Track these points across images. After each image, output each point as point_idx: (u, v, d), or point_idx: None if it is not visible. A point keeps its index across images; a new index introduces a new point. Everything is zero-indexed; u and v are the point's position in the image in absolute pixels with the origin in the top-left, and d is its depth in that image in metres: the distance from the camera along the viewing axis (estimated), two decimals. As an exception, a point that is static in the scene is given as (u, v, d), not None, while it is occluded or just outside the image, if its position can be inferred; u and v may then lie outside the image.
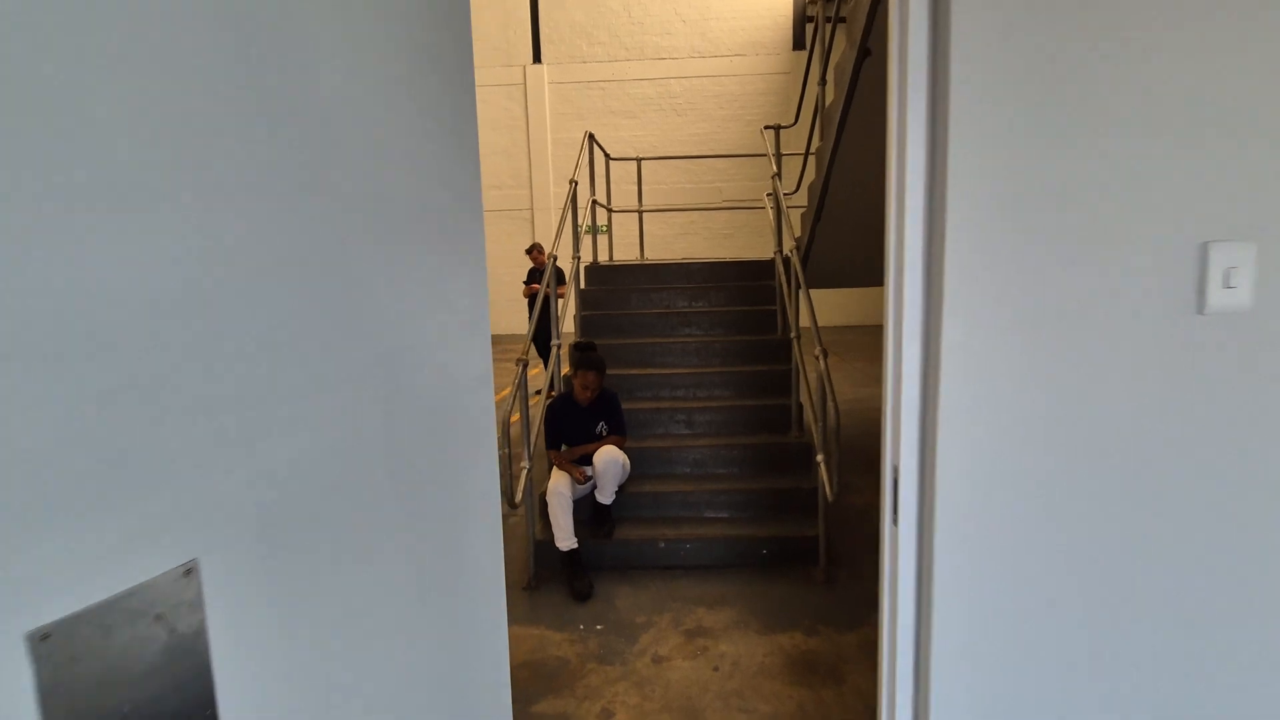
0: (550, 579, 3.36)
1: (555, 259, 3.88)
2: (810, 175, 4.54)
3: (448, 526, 1.18)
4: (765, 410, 4.13)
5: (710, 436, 4.06)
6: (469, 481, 1.26)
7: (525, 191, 13.74)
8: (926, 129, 1.19)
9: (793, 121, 5.14)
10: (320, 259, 0.84)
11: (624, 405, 4.10)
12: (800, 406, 4.02)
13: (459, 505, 1.22)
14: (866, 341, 11.75)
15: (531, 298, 6.60)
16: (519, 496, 3.09)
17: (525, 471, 3.19)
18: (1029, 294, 1.14)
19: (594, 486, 3.53)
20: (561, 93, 13.50)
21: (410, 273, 1.05)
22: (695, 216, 13.24)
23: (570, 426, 3.58)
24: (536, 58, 13.46)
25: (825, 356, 3.13)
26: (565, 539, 3.32)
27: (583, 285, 5.23)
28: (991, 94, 1.10)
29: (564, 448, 3.59)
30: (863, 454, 5.02)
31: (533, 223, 13.64)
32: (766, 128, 4.99)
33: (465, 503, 1.25)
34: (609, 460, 3.43)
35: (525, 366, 3.17)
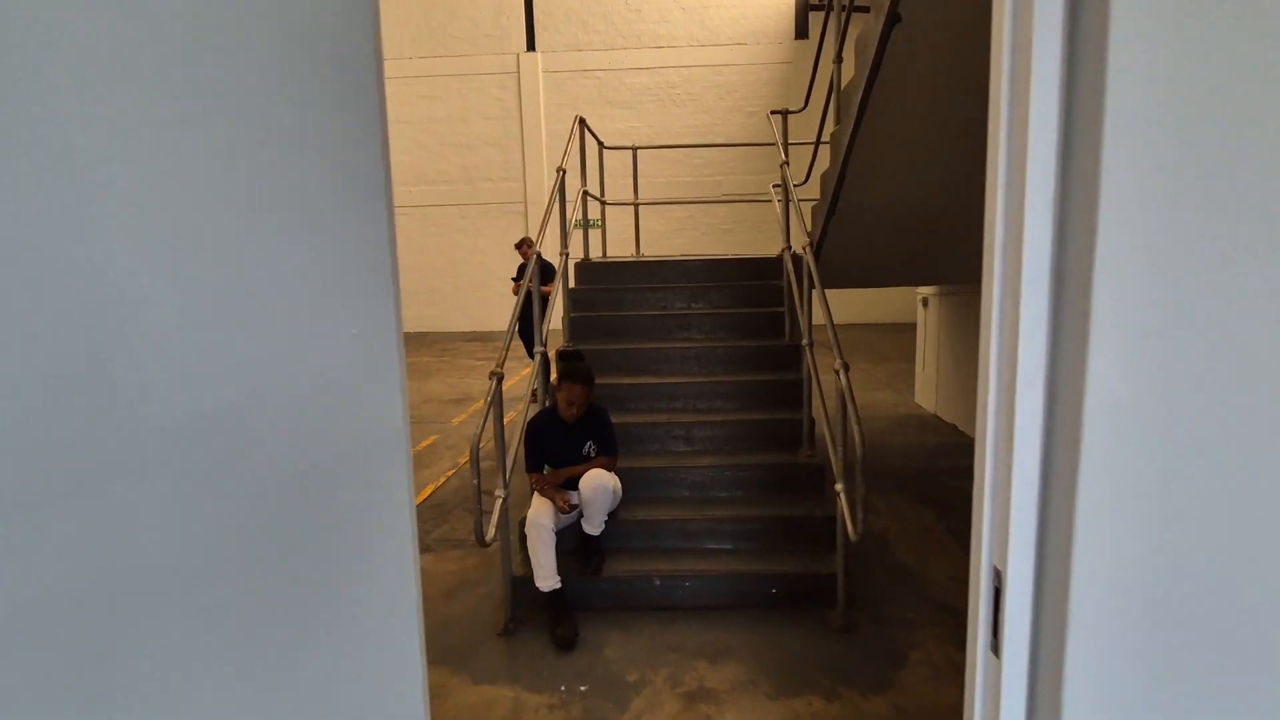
0: (530, 621, 2.95)
1: (539, 254, 3.45)
2: (822, 164, 4.12)
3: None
4: (773, 425, 3.71)
5: (712, 455, 3.64)
6: (360, 600, 0.84)
7: (518, 184, 13.29)
8: (1061, 85, 0.77)
9: (802, 105, 4.71)
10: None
11: (616, 419, 3.67)
12: (813, 421, 3.61)
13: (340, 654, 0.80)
14: (869, 339, 11.35)
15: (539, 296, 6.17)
16: (491, 533, 2.67)
17: (500, 502, 2.77)
18: (1234, 326, 0.73)
19: (580, 515, 3.11)
20: (556, 82, 13.03)
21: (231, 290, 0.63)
22: (694, 211, 12.81)
23: (554, 446, 3.16)
24: (530, 45, 12.99)
25: (846, 371, 2.71)
26: (547, 577, 2.90)
27: (572, 284, 4.81)
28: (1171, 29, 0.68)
29: (546, 470, 3.17)
30: (874, 466, 4.63)
31: (526, 216, 13.20)
32: (774, 112, 4.56)
33: (348, 644, 0.82)
34: (597, 485, 3.01)
35: (500, 381, 2.74)
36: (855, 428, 2.48)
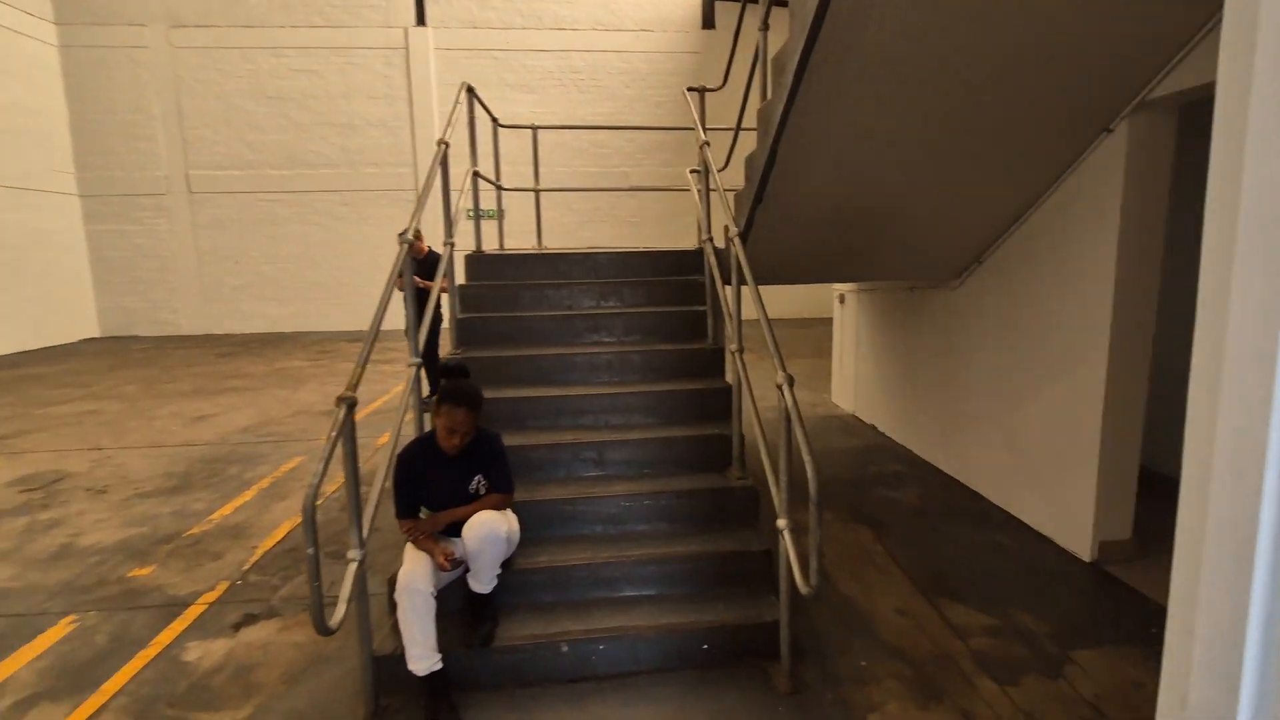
0: (402, 712, 2.29)
1: (410, 244, 2.77)
2: (745, 148, 3.67)
3: None
4: (699, 443, 3.22)
5: (629, 480, 3.10)
6: None
7: (408, 170, 12.20)
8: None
9: (721, 84, 4.26)
10: None
11: (512, 442, 3.06)
12: (743, 437, 3.15)
13: None
14: (779, 336, 11.23)
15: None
16: (339, 614, 1.99)
17: (354, 566, 2.09)
18: None
19: (466, 569, 2.48)
20: (450, 60, 12.04)
21: None
22: (600, 204, 12.24)
23: (431, 484, 2.50)
24: (420, 19, 11.92)
25: (790, 385, 2.24)
26: (423, 656, 2.26)
27: (460, 280, 4.12)
28: None
29: (423, 514, 2.51)
30: (799, 475, 4.25)
31: (418, 205, 12.13)
32: (690, 89, 4.07)
33: None
34: (486, 533, 2.39)
35: (350, 409, 2.06)
36: (807, 459, 2.01)
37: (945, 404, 4.59)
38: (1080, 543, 3.33)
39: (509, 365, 3.55)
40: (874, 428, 5.75)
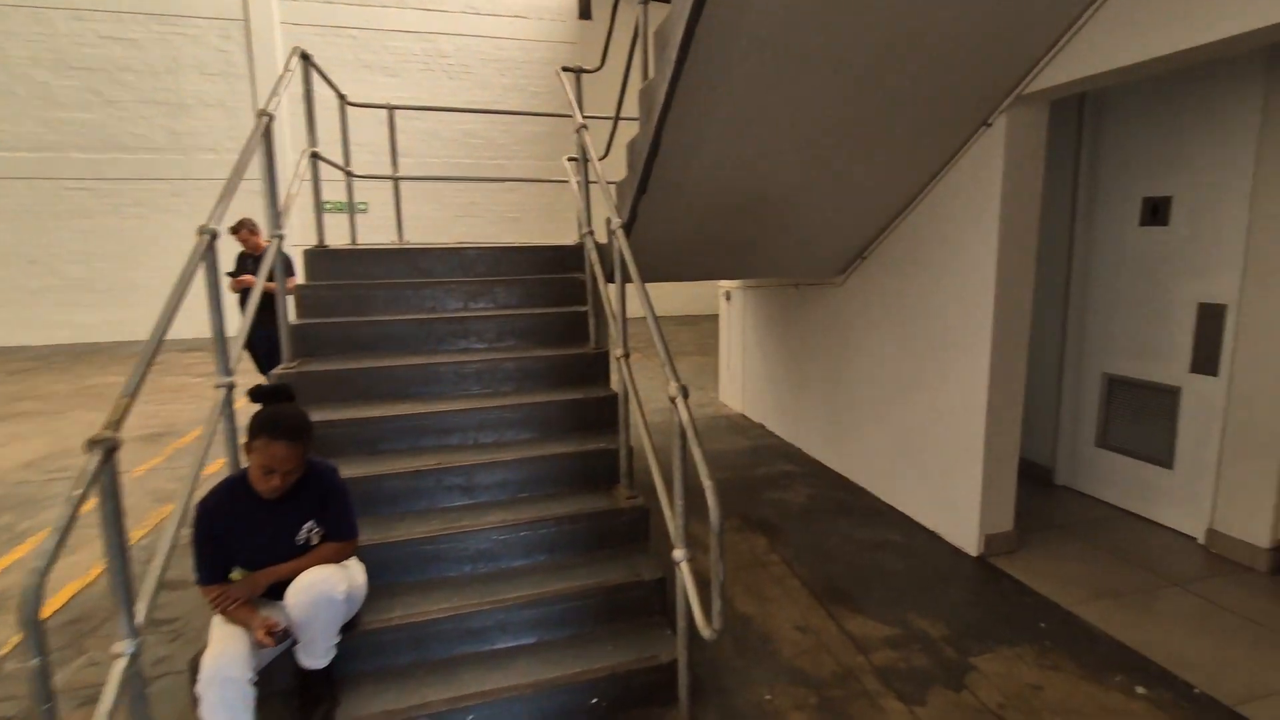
0: (206, 838, 1.76)
1: (214, 235, 2.20)
2: (627, 135, 3.38)
3: None
4: (583, 460, 2.88)
5: (502, 508, 2.70)
6: None
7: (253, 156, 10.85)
8: None
9: (598, 65, 3.94)
10: None
11: (360, 473, 2.59)
12: (632, 450, 2.84)
13: None
14: (682, 333, 11.14)
15: (244, 293, 4.60)
16: (90, 739, 1.46)
17: (121, 665, 1.55)
18: None
19: (293, 641, 1.99)
20: (299, 37, 10.85)
21: None
22: (477, 197, 11.57)
23: (245, 537, 1.98)
24: (261, -12, 10.65)
25: (685, 396, 1.95)
26: (231, 765, 1.75)
27: (301, 279, 3.52)
28: None
29: (236, 574, 1.98)
30: (688, 480, 4.03)
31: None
32: (565, 69, 3.71)
33: None
34: (316, 596, 1.92)
35: (108, 455, 1.51)
36: (708, 484, 1.73)
37: (833, 401, 4.55)
38: (967, 537, 3.34)
39: (358, 379, 3.03)
40: (763, 426, 5.69)
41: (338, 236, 3.97)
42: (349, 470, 2.60)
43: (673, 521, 2.06)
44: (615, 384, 2.90)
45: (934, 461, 3.55)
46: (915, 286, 3.61)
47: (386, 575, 2.41)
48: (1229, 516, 3.20)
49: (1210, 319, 3.24)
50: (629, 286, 2.87)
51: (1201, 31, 2.19)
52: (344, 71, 10.74)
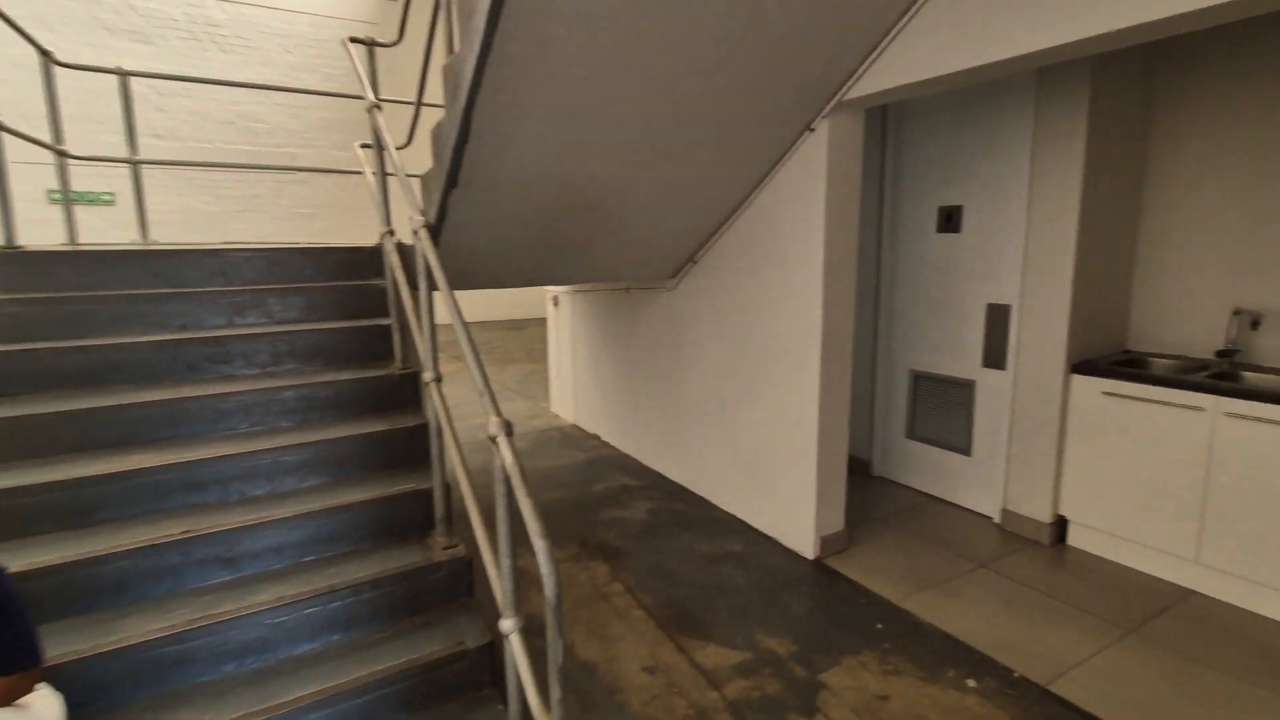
0: None
1: None
2: (431, 118, 2.92)
3: None
4: (389, 506, 2.39)
5: (278, 580, 2.13)
6: None
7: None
8: None
9: (396, 38, 3.40)
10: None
11: (64, 557, 1.90)
12: (448, 488, 2.41)
13: None
14: (490, 340, 10.55)
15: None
16: None
17: None
18: None
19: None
20: (5, -17, 8.64)
21: None
22: (260, 190, 10.08)
23: None
24: (-56, -85, 8.31)
25: (509, 434, 1.59)
26: None
27: (-28, 291, 2.60)
28: None
29: None
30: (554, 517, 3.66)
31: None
32: (353, 40, 3.13)
33: None
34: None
35: None
36: (539, 544, 1.39)
37: (669, 409, 4.42)
38: (804, 541, 3.34)
39: (66, 426, 2.26)
40: (597, 438, 5.45)
41: (10, 229, 2.92)
42: (47, 554, 1.89)
43: (499, 584, 1.69)
44: (429, 411, 2.45)
45: (769, 467, 3.53)
46: (746, 290, 3.56)
47: (105, 699, 1.76)
48: (1018, 496, 3.52)
49: (997, 318, 3.55)
50: (436, 295, 2.44)
51: (982, 53, 2.31)
52: (74, 33, 8.75)
